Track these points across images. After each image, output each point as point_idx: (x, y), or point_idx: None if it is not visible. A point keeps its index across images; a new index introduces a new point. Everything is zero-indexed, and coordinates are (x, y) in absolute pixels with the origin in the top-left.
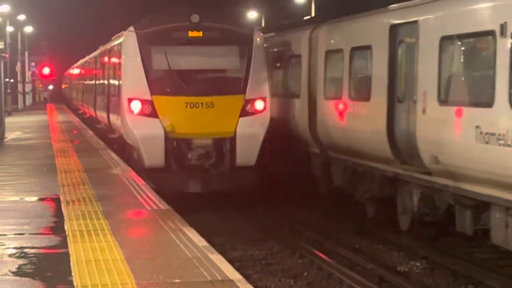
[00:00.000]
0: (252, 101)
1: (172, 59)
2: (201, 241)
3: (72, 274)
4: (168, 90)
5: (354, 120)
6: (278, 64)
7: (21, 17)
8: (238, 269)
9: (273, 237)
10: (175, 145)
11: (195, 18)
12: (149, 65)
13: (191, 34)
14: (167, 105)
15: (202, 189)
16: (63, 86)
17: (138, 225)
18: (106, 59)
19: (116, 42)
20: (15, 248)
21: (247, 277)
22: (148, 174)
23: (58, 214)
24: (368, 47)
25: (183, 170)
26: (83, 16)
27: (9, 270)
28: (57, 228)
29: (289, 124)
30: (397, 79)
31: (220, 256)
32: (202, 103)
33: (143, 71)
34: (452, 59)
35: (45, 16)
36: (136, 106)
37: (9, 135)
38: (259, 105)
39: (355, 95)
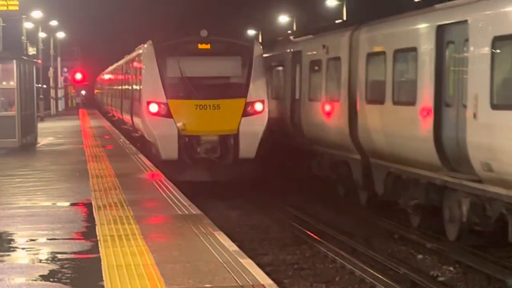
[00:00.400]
0: (252, 103)
1: (184, 67)
2: (231, 246)
3: (103, 279)
4: (180, 94)
5: (398, 125)
6: (316, 68)
7: (53, 23)
8: (269, 274)
9: (304, 241)
10: (187, 141)
11: (204, 33)
12: (165, 73)
13: (200, 46)
14: (180, 107)
15: (209, 178)
16: (95, 91)
17: (169, 229)
18: (129, 67)
19: (137, 53)
20: (47, 253)
21: (278, 282)
22: (164, 165)
23: (90, 219)
24: (413, 49)
25: (194, 162)
26: (115, 21)
27: (40, 275)
28: (89, 233)
29: (326, 129)
30: (444, 82)
31: (250, 261)
32: (209, 105)
33: (159, 78)
34: (505, 60)
35: (77, 21)
36: (153, 108)
37: (42, 141)
38: (258, 106)
39: (399, 99)
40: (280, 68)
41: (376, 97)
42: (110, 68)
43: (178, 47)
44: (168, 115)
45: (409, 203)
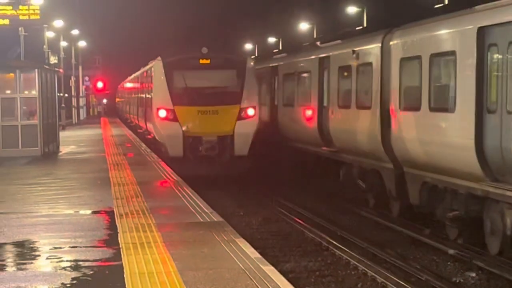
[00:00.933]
0: (245, 109)
1: (187, 79)
2: (253, 253)
3: (126, 286)
4: (185, 102)
5: (435, 133)
6: (345, 74)
7: (75, 32)
8: (291, 281)
9: (325, 248)
10: (190, 141)
11: (204, 50)
12: (171, 84)
13: (201, 61)
14: (184, 113)
15: (209, 172)
16: (117, 100)
17: (191, 237)
18: (143, 78)
19: (149, 66)
20: (69, 261)
21: None
22: (171, 161)
23: (112, 226)
24: (451, 53)
25: (196, 158)
26: (136, 30)
27: (63, 283)
28: (111, 240)
29: (356, 137)
30: (486, 88)
31: (273, 268)
32: (209, 111)
33: (167, 88)
34: None
35: (98, 30)
36: (162, 113)
37: (64, 149)
38: (250, 112)
39: (436, 105)
40: (306, 74)
41: (411, 103)
42: (129, 78)
43: (182, 62)
44: (175, 119)
45: (447, 215)
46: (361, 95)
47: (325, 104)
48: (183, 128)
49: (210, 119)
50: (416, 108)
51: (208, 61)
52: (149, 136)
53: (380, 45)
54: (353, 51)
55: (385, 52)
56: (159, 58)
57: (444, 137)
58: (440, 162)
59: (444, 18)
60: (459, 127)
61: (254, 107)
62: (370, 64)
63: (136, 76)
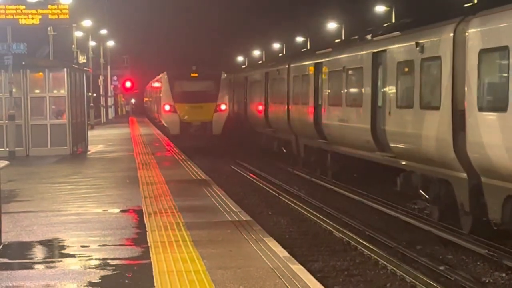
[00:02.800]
0: (219, 105)
1: (183, 86)
2: (282, 252)
3: (155, 285)
4: (181, 100)
5: None
6: (406, 70)
7: (103, 32)
8: (320, 280)
9: (354, 248)
10: (184, 125)
11: (194, 67)
12: (173, 88)
13: (192, 75)
14: (181, 107)
15: (196, 144)
16: (144, 99)
17: (219, 235)
18: (157, 84)
19: (160, 76)
20: (98, 259)
21: None
22: (172, 137)
23: (141, 225)
24: None
25: (188, 136)
26: (164, 30)
27: (92, 281)
28: (140, 239)
29: (420, 141)
30: None
31: (301, 267)
32: (196, 106)
33: (170, 91)
34: None
35: (126, 30)
36: (167, 107)
37: (92, 148)
38: (223, 107)
39: None
40: (356, 71)
41: (494, 103)
42: (152, 80)
43: (180, 75)
44: (174, 111)
45: None
46: (427, 93)
47: (379, 104)
48: (180, 117)
49: (197, 111)
50: (502, 108)
51: (196, 75)
52: (160, 123)
53: (452, 35)
54: (417, 44)
55: (458, 44)
56: (165, 72)
57: None
58: None
59: None
60: None
61: (225, 104)
62: (439, 57)
63: (155, 80)
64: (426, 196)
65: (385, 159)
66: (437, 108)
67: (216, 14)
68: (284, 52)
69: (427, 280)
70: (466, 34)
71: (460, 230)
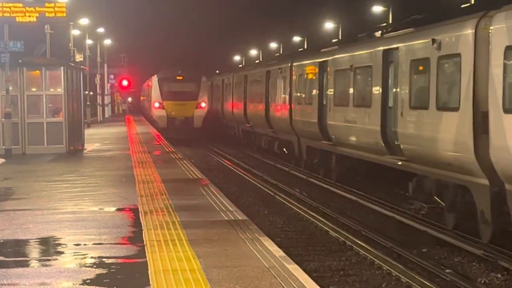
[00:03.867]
0: (199, 103)
1: (170, 87)
2: (278, 251)
3: (150, 283)
4: (168, 98)
5: None
6: (420, 68)
7: (100, 30)
8: (315, 280)
9: (350, 248)
10: (170, 119)
11: (179, 71)
12: (162, 88)
13: (177, 77)
14: (168, 104)
15: (180, 135)
16: (141, 98)
17: (215, 235)
18: (148, 85)
19: (151, 79)
20: (93, 257)
21: None
22: (160, 130)
23: (137, 224)
24: None
25: (173, 128)
26: (161, 29)
27: (87, 279)
28: (135, 238)
29: (435, 145)
30: None
31: (297, 267)
32: (181, 103)
33: (159, 91)
34: None
35: (124, 29)
36: (156, 104)
37: (89, 147)
38: (202, 104)
39: None
40: (364, 70)
41: None
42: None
43: (168, 77)
44: (163, 108)
45: None
46: (444, 93)
47: (390, 104)
48: (167, 112)
49: (181, 108)
50: None
51: (181, 77)
52: (151, 118)
53: (473, 31)
54: (433, 41)
55: (480, 40)
56: (156, 75)
57: None
58: None
59: None
60: None
61: (205, 102)
62: (458, 55)
63: (147, 81)
64: (442, 203)
65: (396, 162)
66: (455, 109)
67: (214, 13)
68: (281, 52)
69: (423, 280)
70: (490, 30)
71: (478, 239)
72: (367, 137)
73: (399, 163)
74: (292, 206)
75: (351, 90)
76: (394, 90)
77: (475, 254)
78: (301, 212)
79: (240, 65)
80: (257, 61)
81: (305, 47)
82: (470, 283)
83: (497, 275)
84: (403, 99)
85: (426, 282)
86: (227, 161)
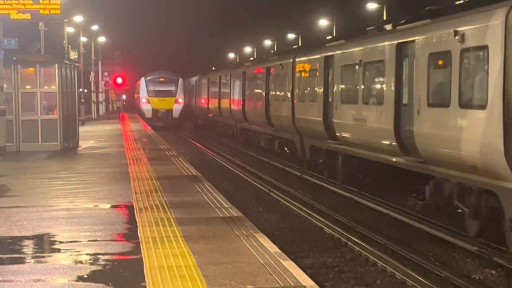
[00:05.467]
0: (177, 99)
1: (154, 86)
2: (273, 248)
3: (145, 280)
4: (153, 95)
5: None
6: (440, 63)
7: (95, 27)
8: (310, 276)
9: (345, 244)
10: (155, 112)
11: (162, 74)
12: (149, 88)
13: (161, 79)
14: (153, 100)
15: (162, 124)
16: (136, 95)
17: (210, 231)
18: (138, 85)
19: (140, 80)
20: (89, 254)
21: (319, 284)
22: (146, 120)
23: (131, 221)
24: None
25: (156, 119)
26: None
27: (82, 276)
28: (130, 234)
29: (458, 146)
30: None
31: (292, 263)
32: (163, 99)
33: (146, 90)
34: None
35: (118, 26)
36: (143, 100)
37: (83, 144)
38: (180, 100)
39: None
40: (376, 65)
41: None
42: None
43: (153, 79)
44: (148, 102)
45: None
46: (468, 89)
47: (404, 102)
48: (152, 106)
49: (163, 103)
50: None
51: (163, 80)
52: (140, 111)
53: (503, 21)
54: (455, 32)
55: (511, 30)
56: (143, 78)
57: None
58: None
59: None
60: None
61: (181, 98)
62: (485, 47)
63: (137, 81)
64: (465, 209)
65: (412, 164)
66: (482, 106)
67: (208, 10)
68: (276, 49)
69: (417, 276)
70: None
71: (503, 247)
72: (378, 137)
73: (417, 164)
74: (286, 203)
75: (360, 87)
76: (410, 86)
77: (469, 251)
78: (296, 209)
79: (238, 62)
80: (251, 58)
81: (300, 45)
82: (464, 279)
83: (491, 271)
84: (420, 96)
85: (421, 278)
86: (222, 158)
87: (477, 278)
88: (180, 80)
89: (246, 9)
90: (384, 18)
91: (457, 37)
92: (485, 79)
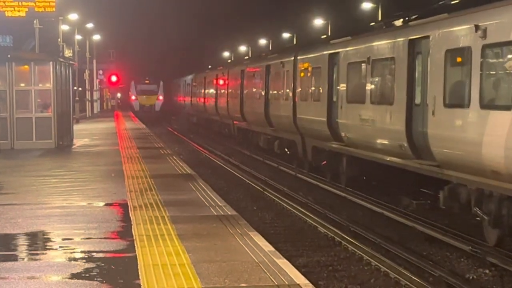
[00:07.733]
0: (158, 96)
1: (141, 87)
2: (267, 246)
3: (140, 277)
4: (140, 94)
5: None
6: (458, 59)
7: (89, 26)
8: (304, 275)
9: (338, 243)
10: (141, 106)
11: (147, 78)
12: (136, 88)
13: (146, 81)
14: (140, 98)
15: (147, 116)
16: (129, 94)
17: (205, 230)
18: (129, 86)
19: (131, 83)
20: (83, 252)
21: (313, 283)
22: (135, 112)
23: (126, 219)
24: None
25: (143, 111)
26: (150, 25)
27: (76, 273)
28: (125, 232)
29: (478, 150)
30: None
31: (286, 261)
32: (148, 97)
33: (135, 90)
34: None
35: (113, 24)
36: (133, 97)
37: (78, 142)
38: (161, 97)
39: None
40: (384, 62)
41: None
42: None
43: (139, 82)
44: (137, 99)
45: None
46: (490, 89)
47: (417, 101)
48: (140, 102)
49: (148, 100)
50: None
51: (148, 82)
52: (130, 105)
53: None
54: (477, 27)
55: None
56: (133, 81)
57: None
58: None
59: None
60: None
61: (162, 95)
62: (509, 43)
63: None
64: (484, 217)
65: (425, 168)
66: (507, 107)
67: (202, 9)
68: (271, 48)
69: (411, 276)
70: None
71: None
72: (388, 138)
73: (431, 168)
74: (280, 202)
75: (368, 86)
76: (423, 85)
77: (463, 250)
78: (290, 208)
79: (236, 60)
80: (245, 57)
81: (295, 44)
82: (458, 279)
83: (485, 271)
84: (435, 95)
85: (415, 278)
86: (216, 157)
87: (471, 277)
88: (161, 82)
89: (240, 8)
90: (379, 17)
91: (478, 32)
92: (510, 78)
